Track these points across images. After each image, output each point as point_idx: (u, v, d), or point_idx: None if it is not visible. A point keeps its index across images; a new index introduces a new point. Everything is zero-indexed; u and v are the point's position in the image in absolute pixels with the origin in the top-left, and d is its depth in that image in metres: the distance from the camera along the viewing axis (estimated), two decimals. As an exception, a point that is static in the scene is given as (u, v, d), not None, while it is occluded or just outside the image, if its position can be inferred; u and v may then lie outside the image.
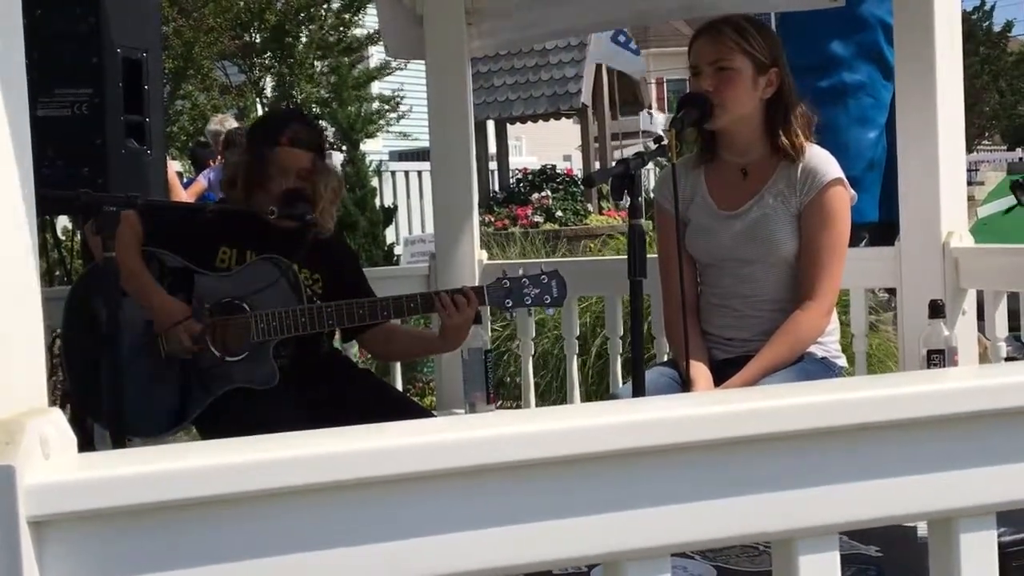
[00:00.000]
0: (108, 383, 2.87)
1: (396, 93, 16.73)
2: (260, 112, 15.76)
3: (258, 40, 15.93)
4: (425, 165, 12.84)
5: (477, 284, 3.57)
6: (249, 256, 3.38)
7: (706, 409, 1.26)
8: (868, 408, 1.26)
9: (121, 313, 2.85)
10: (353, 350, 4.78)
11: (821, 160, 3.06)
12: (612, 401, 2.98)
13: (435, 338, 3.54)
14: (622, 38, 14.09)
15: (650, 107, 19.26)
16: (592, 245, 8.10)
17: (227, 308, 3.32)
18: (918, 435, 1.28)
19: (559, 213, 14.23)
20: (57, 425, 1.09)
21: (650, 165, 3.72)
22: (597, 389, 5.53)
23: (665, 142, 2.79)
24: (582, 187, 14.73)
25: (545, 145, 23.20)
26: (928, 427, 1.28)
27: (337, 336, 3.76)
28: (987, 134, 30.01)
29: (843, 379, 3.04)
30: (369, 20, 15.46)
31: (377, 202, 13.01)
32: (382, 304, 3.32)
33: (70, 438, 1.10)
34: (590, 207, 14.83)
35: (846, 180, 3.08)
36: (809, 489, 1.24)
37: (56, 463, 1.07)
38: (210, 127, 10.67)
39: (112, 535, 1.06)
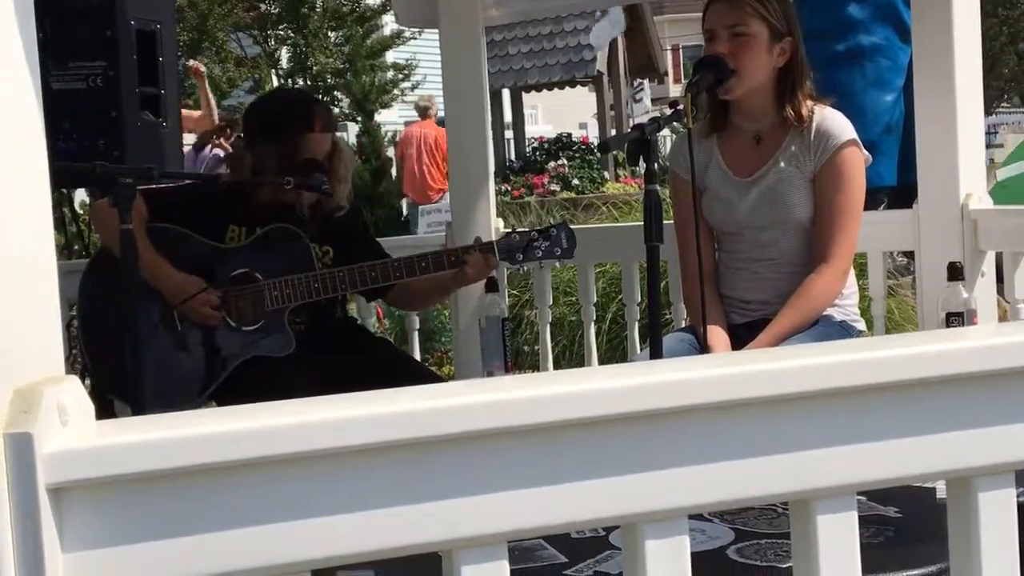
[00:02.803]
0: (127, 358, 2.88)
1: (409, 62, 16.70)
2: (276, 84, 15.75)
3: (274, 11, 15.91)
4: (441, 134, 12.82)
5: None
6: (259, 233, 3.39)
7: (723, 370, 1.26)
8: (885, 367, 1.25)
9: (139, 287, 2.86)
10: (371, 320, 4.80)
11: (834, 122, 3.05)
12: (628, 363, 2.98)
13: (452, 285, 3.58)
14: None
15: (640, 80, 18.62)
16: (605, 209, 8.08)
17: (240, 279, 3.33)
18: (936, 394, 1.27)
19: (575, 181, 14.23)
20: (74, 393, 1.09)
21: (665, 131, 3.70)
22: (613, 356, 5.53)
23: (680, 107, 2.78)
24: (598, 155, 14.71)
25: (561, 113, 23.16)
26: (946, 386, 1.27)
27: (354, 305, 3.77)
28: (1006, 96, 29.80)
29: (860, 339, 3.03)
30: (382, -12, 15.42)
31: (393, 172, 13.02)
32: (394, 265, 3.35)
33: (87, 405, 1.11)
34: (606, 175, 14.82)
35: (860, 142, 3.06)
36: (827, 449, 1.24)
37: (74, 430, 1.07)
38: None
39: (131, 501, 1.06)
